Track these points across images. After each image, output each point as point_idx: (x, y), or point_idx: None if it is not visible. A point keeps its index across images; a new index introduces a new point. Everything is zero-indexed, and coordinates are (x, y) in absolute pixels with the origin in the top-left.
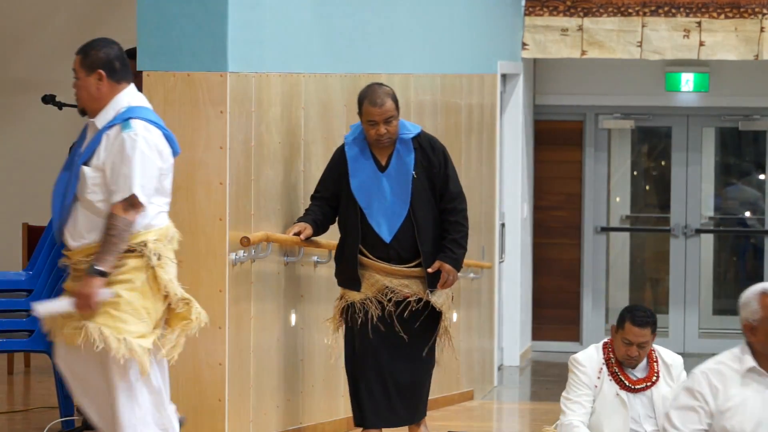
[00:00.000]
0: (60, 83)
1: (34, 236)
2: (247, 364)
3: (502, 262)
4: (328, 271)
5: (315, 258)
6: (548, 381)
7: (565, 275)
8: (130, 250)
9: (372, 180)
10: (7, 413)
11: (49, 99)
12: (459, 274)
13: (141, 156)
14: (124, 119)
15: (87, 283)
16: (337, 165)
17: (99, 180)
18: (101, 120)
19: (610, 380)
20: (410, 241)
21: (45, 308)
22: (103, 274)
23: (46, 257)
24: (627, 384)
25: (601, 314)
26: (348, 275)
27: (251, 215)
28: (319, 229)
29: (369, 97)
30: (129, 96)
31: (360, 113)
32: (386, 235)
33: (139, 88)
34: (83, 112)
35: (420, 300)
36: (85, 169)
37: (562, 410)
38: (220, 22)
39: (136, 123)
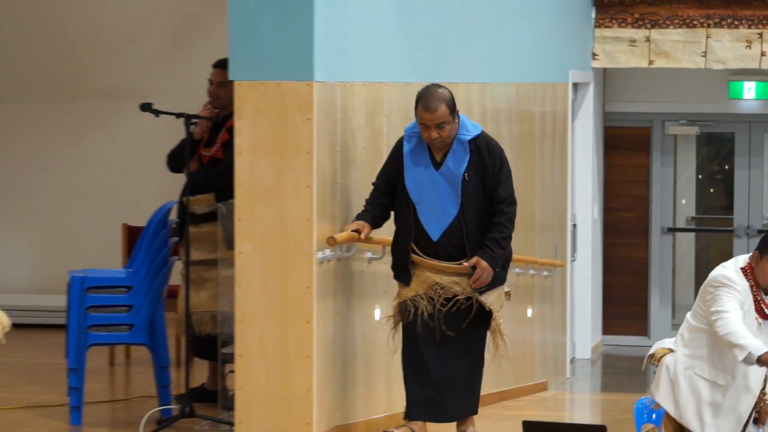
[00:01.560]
0: (157, 92)
1: (133, 236)
2: (333, 356)
3: (574, 260)
4: None
5: (369, 254)
6: (618, 373)
7: (634, 273)
8: None
9: (425, 176)
10: (109, 402)
11: (146, 107)
12: (531, 271)
13: None
14: None
15: None
16: (395, 157)
17: None
18: None
19: (750, 306)
20: (459, 241)
21: None
22: None
23: (145, 255)
24: (766, 312)
25: (668, 310)
26: (400, 269)
27: (337, 216)
28: (378, 224)
29: (423, 101)
30: None
31: (415, 113)
32: (434, 233)
33: (232, 97)
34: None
35: (469, 298)
36: None
37: (715, 318)
38: (306, 34)
39: None
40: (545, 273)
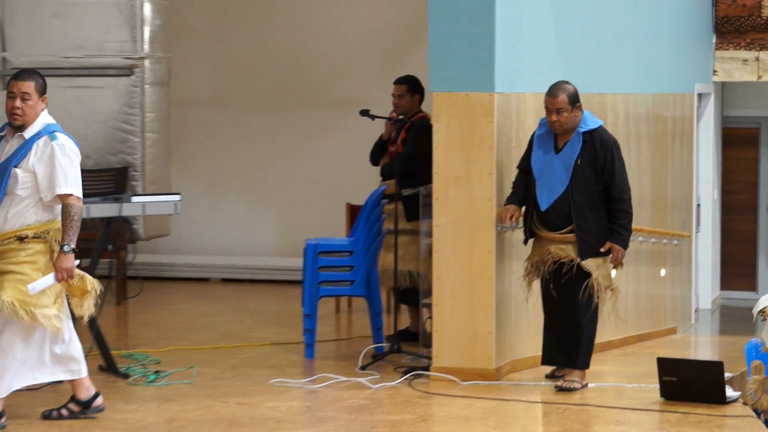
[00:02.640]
0: (374, 101)
1: (353, 212)
2: (508, 305)
3: (698, 232)
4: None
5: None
6: (733, 320)
7: (745, 242)
8: (36, 237)
9: (547, 157)
10: (335, 341)
11: (364, 112)
12: (664, 240)
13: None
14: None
15: (65, 259)
16: (530, 142)
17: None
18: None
19: None
20: (565, 214)
21: (36, 286)
22: (74, 250)
23: (363, 227)
24: None
25: None
26: (525, 235)
27: None
28: (524, 202)
29: (550, 89)
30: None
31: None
32: (543, 205)
33: (409, 105)
34: None
35: (572, 261)
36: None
37: None
38: (489, 56)
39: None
40: (675, 242)
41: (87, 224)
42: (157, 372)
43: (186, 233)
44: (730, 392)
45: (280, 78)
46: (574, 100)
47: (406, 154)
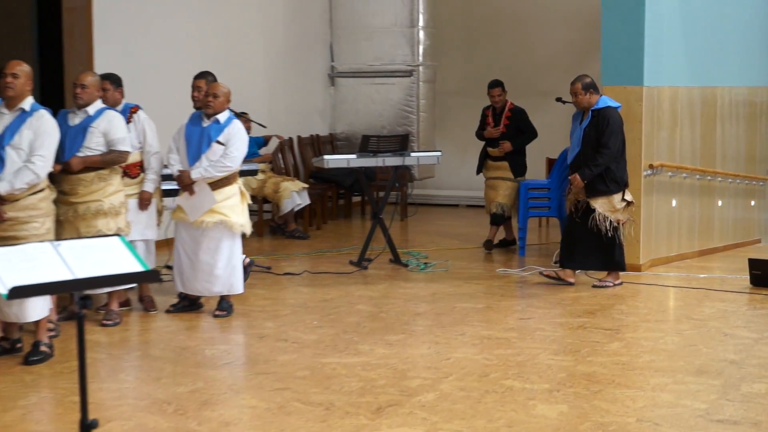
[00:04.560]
0: (564, 91)
1: (550, 163)
2: (650, 225)
3: None
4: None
5: None
6: None
7: None
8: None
9: (574, 126)
10: (537, 245)
11: (558, 99)
12: (753, 182)
13: None
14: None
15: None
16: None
17: None
18: None
19: None
20: (580, 165)
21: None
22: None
23: (556, 173)
24: None
25: None
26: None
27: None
28: None
29: (573, 80)
30: None
31: None
32: (570, 158)
33: (500, 97)
34: None
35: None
36: None
37: None
38: (639, 58)
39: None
40: (761, 183)
41: (382, 170)
42: (425, 263)
43: (444, 175)
44: None
45: (504, 75)
46: (587, 87)
47: (530, 131)
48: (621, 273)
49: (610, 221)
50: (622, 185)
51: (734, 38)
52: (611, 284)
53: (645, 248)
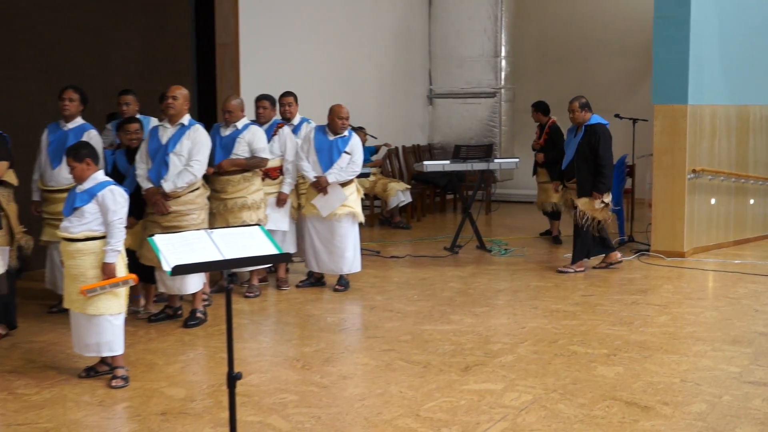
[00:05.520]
0: (623, 107)
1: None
2: (693, 217)
3: None
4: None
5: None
6: None
7: None
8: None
9: (569, 138)
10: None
11: (617, 115)
12: None
13: None
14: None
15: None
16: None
17: None
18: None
19: None
20: (572, 171)
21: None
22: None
23: (615, 175)
24: None
25: None
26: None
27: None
28: None
29: (571, 99)
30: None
31: None
32: (563, 165)
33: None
34: None
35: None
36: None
37: None
38: (684, 80)
39: None
40: None
41: (471, 173)
42: (506, 249)
43: (521, 178)
44: None
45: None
46: (583, 106)
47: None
48: (667, 258)
49: (587, 218)
50: (609, 188)
51: (763, 62)
52: (572, 271)
53: (688, 238)
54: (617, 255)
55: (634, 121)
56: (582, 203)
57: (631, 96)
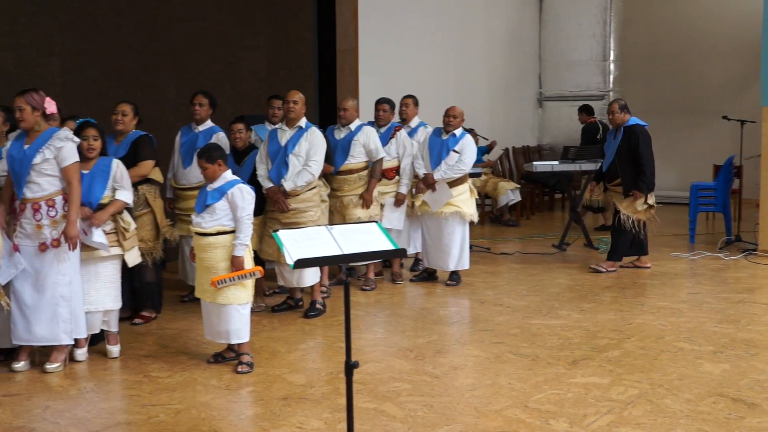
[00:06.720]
0: (727, 107)
1: (716, 169)
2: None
3: None
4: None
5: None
6: None
7: None
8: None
9: (611, 142)
10: (704, 234)
11: (725, 117)
12: None
13: None
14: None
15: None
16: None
17: None
18: None
19: None
20: (616, 174)
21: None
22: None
23: (722, 176)
24: None
25: None
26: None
27: None
28: None
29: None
30: None
31: None
32: (604, 167)
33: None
34: None
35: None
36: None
37: None
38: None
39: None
40: None
41: (579, 173)
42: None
43: None
44: None
45: (678, 97)
46: (623, 108)
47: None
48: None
49: (633, 220)
50: (651, 188)
51: None
52: (604, 270)
53: None
54: (647, 261)
55: (742, 122)
56: (624, 206)
57: (739, 98)
